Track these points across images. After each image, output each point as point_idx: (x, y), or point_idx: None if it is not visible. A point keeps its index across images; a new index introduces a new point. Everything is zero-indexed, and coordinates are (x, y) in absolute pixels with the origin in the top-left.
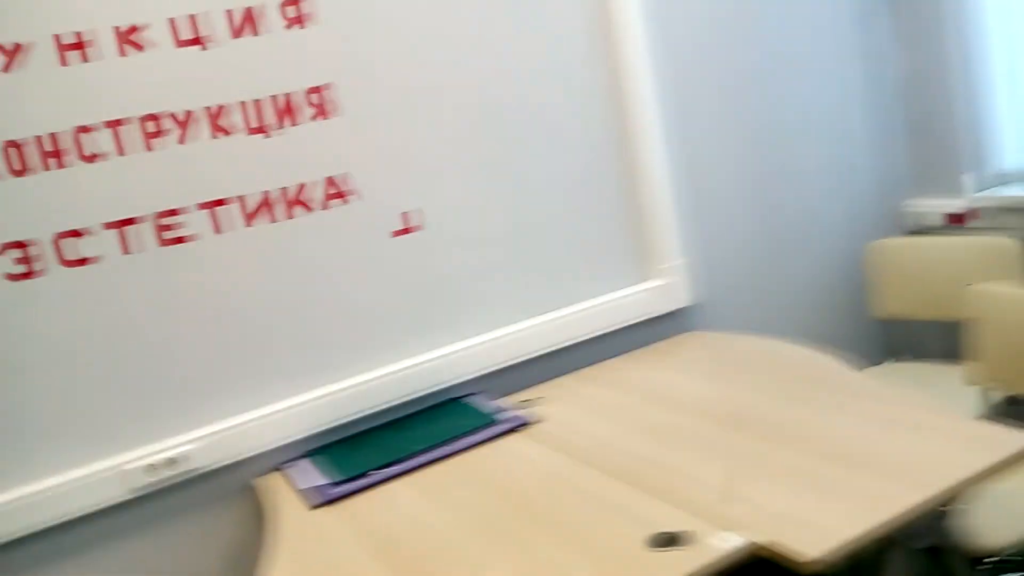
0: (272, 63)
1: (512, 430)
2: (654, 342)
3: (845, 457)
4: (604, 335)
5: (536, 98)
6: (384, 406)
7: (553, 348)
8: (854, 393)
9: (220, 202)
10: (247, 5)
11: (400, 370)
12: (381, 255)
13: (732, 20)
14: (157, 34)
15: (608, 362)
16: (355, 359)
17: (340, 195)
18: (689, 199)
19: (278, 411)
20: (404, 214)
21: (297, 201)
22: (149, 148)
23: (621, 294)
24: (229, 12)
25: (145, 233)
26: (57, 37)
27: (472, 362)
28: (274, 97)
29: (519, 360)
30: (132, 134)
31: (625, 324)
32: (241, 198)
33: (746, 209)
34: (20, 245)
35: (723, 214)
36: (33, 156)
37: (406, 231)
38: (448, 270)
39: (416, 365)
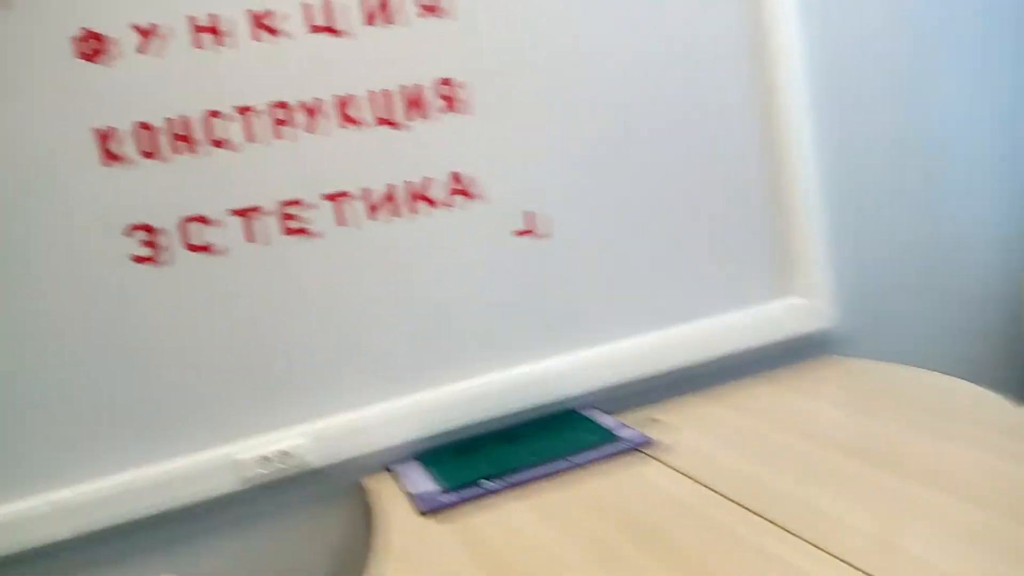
0: (404, 53)
1: (633, 450)
2: (791, 365)
3: (1018, 512)
4: (735, 354)
5: (674, 96)
6: (498, 413)
7: (679, 364)
8: (1021, 437)
9: (344, 194)
10: None
11: (516, 376)
12: (502, 256)
13: (892, 14)
14: (291, 19)
15: (739, 384)
16: (470, 362)
17: (464, 192)
18: (836, 210)
19: (390, 410)
20: (528, 215)
21: (421, 196)
22: (278, 136)
23: (756, 310)
24: None
25: (269, 222)
26: (192, 19)
27: (591, 374)
28: (404, 88)
29: (641, 375)
30: (261, 121)
31: (759, 343)
32: (365, 191)
33: (899, 223)
34: (147, 228)
35: (872, 228)
36: (163, 139)
37: (529, 232)
38: (570, 275)
39: (533, 373)
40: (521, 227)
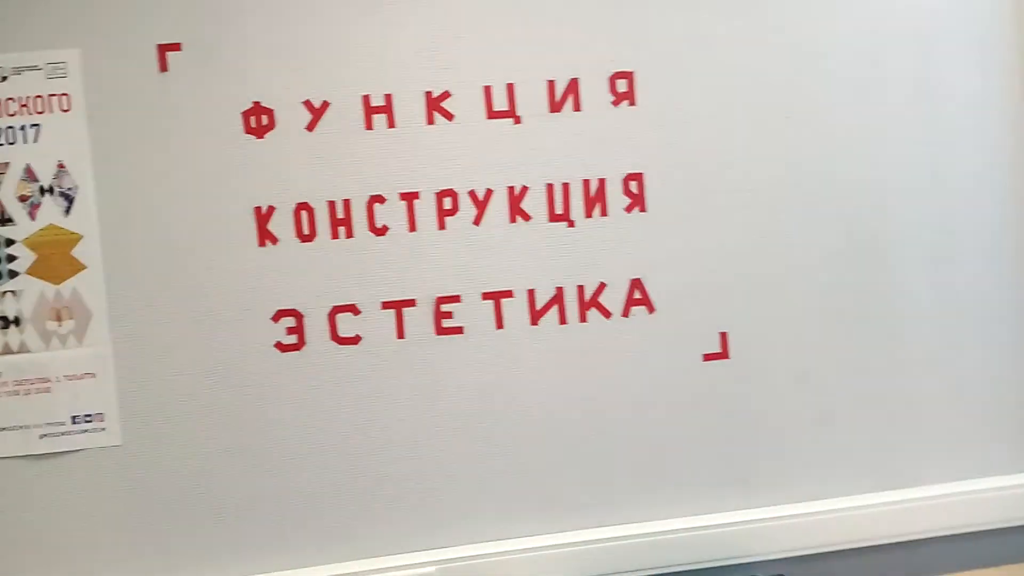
0: (589, 143)
1: None
2: None
3: None
4: (971, 534)
5: (905, 201)
6: (664, 568)
7: (897, 537)
8: None
9: (506, 293)
10: (572, 76)
11: (692, 527)
12: (686, 381)
13: None
14: (469, 103)
15: (976, 573)
16: (636, 502)
17: (643, 303)
18: None
19: (536, 548)
20: (721, 336)
21: (593, 303)
22: (441, 226)
23: (1003, 482)
24: (551, 83)
25: (422, 318)
26: (366, 98)
27: (784, 536)
28: (585, 181)
29: (848, 545)
30: (425, 209)
31: (1003, 524)
32: (530, 292)
33: None
34: (295, 314)
35: None
36: (323, 222)
37: (720, 356)
38: (768, 413)
39: (712, 525)
40: (711, 350)
